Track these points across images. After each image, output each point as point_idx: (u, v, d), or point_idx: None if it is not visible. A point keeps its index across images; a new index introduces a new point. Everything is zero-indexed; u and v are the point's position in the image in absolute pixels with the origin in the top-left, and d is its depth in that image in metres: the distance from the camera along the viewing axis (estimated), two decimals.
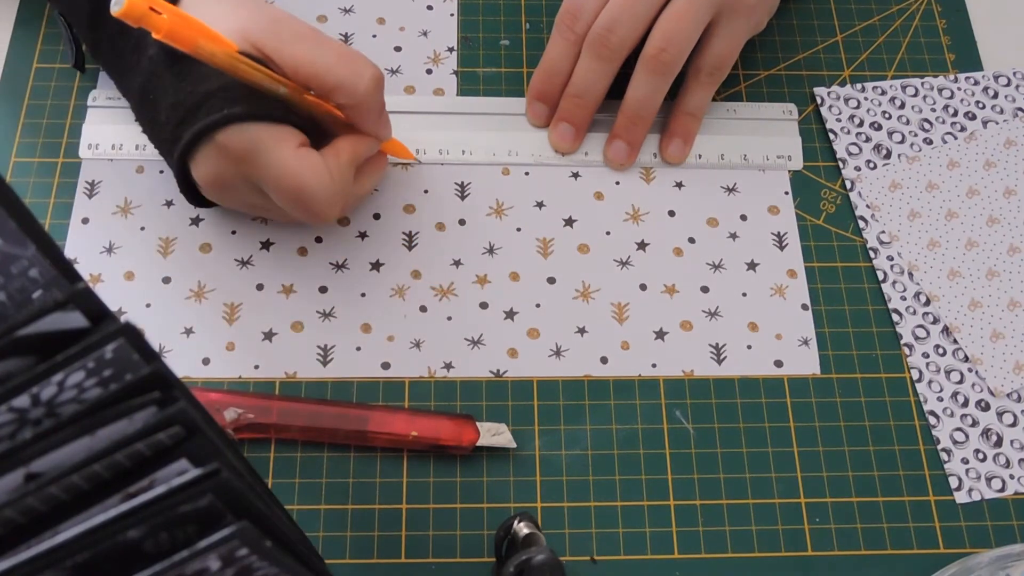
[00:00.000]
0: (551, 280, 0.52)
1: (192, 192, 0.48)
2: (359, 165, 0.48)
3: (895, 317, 0.51)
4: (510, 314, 0.50)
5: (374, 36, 0.58)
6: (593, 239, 0.53)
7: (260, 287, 0.50)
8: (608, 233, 0.53)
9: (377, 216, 0.53)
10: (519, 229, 0.53)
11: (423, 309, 0.50)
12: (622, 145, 0.54)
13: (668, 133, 0.54)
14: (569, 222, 0.53)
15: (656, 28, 0.50)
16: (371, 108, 0.46)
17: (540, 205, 0.53)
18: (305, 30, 0.44)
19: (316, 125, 0.47)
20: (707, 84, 0.53)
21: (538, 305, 0.51)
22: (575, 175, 0.54)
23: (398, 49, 0.57)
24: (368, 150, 0.48)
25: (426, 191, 0.53)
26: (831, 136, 0.56)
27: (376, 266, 0.51)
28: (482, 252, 0.52)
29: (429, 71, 0.57)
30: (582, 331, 0.50)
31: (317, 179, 0.44)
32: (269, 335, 0.49)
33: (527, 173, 0.54)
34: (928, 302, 0.52)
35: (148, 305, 0.50)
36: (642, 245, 0.53)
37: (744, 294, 0.52)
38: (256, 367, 0.48)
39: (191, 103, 0.44)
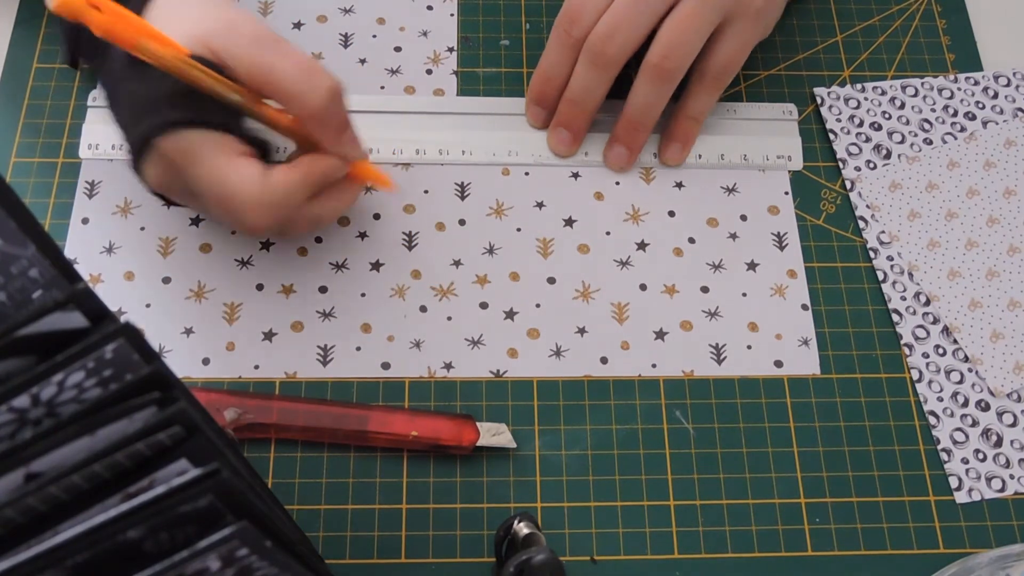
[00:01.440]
0: (551, 280, 0.52)
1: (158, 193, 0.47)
2: (325, 186, 0.46)
3: (895, 317, 0.51)
4: (510, 314, 0.50)
5: (374, 36, 0.58)
6: (593, 239, 0.53)
7: (260, 287, 0.50)
8: (608, 233, 0.53)
9: (377, 216, 0.53)
10: (519, 229, 0.53)
11: (423, 309, 0.50)
12: (622, 150, 0.54)
13: (668, 136, 0.54)
14: (569, 222, 0.53)
15: (659, 35, 0.50)
16: (328, 122, 0.44)
17: (540, 205, 0.53)
18: (265, 36, 0.43)
19: (303, 140, 0.46)
20: (712, 89, 0.53)
21: (538, 305, 0.51)
22: (575, 175, 0.54)
23: (398, 49, 0.57)
24: (332, 170, 0.46)
25: (426, 191, 0.53)
26: (831, 136, 0.56)
27: (376, 266, 0.51)
28: (482, 252, 0.52)
29: (429, 71, 0.57)
30: (582, 331, 0.50)
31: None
32: (269, 335, 0.49)
33: (527, 173, 0.54)
34: (928, 302, 0.52)
35: (148, 305, 0.50)
36: (642, 245, 0.53)
37: (744, 294, 0.52)
38: (256, 367, 0.48)
39: (141, 107, 0.43)
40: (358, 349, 0.49)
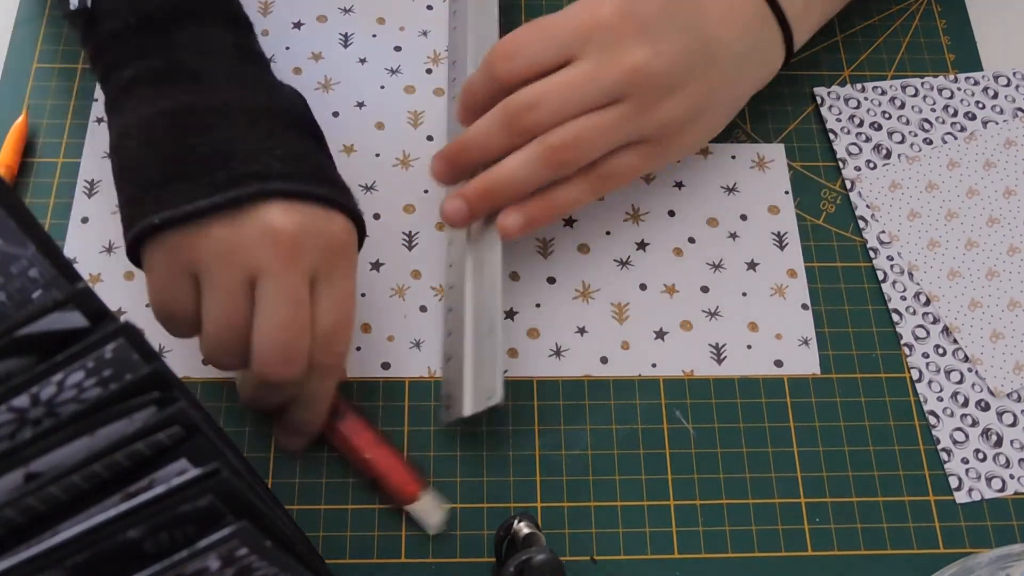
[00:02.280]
0: (551, 280, 0.52)
1: None
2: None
3: (895, 317, 0.51)
4: (510, 314, 0.50)
5: (374, 36, 0.58)
6: (593, 239, 0.53)
7: None
8: (608, 233, 0.53)
9: (377, 216, 0.53)
10: None
11: (423, 309, 0.50)
12: (463, 207, 0.47)
13: (520, 207, 0.47)
14: (569, 222, 0.53)
15: (573, 123, 0.45)
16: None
17: None
18: None
19: None
20: (594, 188, 0.48)
21: (538, 305, 0.51)
22: None
23: (398, 49, 0.57)
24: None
25: (426, 191, 0.53)
26: (831, 136, 0.56)
27: (376, 266, 0.51)
28: None
29: (429, 71, 0.57)
30: (582, 331, 0.50)
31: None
32: None
33: None
34: (928, 302, 0.52)
35: (148, 305, 0.50)
36: (642, 245, 0.53)
37: (744, 294, 0.52)
38: None
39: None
40: (358, 349, 0.49)
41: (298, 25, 0.58)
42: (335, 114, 0.55)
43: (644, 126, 0.47)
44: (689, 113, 0.48)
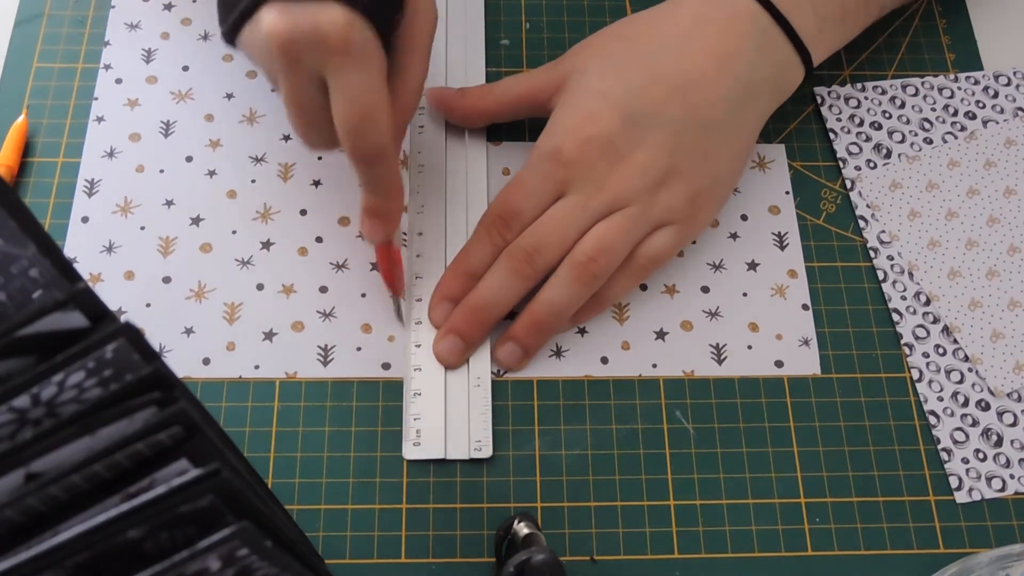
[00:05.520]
0: None
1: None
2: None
3: (895, 317, 0.51)
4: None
5: None
6: None
7: (260, 287, 0.50)
8: None
9: None
10: None
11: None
12: (517, 349, 0.48)
13: (574, 318, 0.49)
14: None
15: (590, 234, 0.47)
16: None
17: None
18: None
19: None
20: (636, 276, 0.49)
21: None
22: None
23: None
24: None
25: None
26: (831, 136, 0.56)
27: (376, 266, 0.51)
28: None
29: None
30: (582, 331, 0.50)
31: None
32: (269, 335, 0.49)
33: None
34: (928, 302, 0.52)
35: (148, 305, 0.50)
36: None
37: (744, 294, 0.52)
38: (256, 367, 0.48)
39: None
40: (358, 349, 0.49)
41: None
42: None
43: (658, 216, 0.48)
44: (698, 186, 0.48)
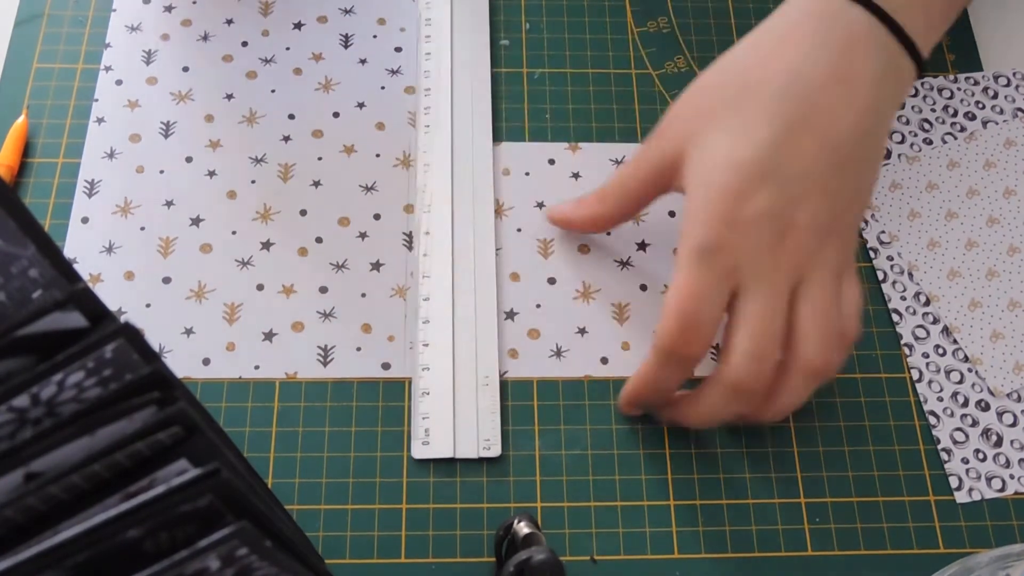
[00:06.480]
0: (551, 280, 0.52)
1: None
2: None
3: (895, 317, 0.51)
4: (510, 314, 0.50)
5: (375, 36, 0.58)
6: (593, 239, 0.53)
7: (260, 287, 0.50)
8: (608, 233, 0.53)
9: (377, 216, 0.53)
10: (519, 230, 0.53)
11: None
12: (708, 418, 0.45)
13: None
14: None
15: (805, 331, 0.42)
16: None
17: (540, 205, 0.53)
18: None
19: None
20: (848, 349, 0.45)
21: (538, 305, 0.51)
22: (575, 175, 0.54)
23: (399, 50, 0.57)
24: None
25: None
26: None
27: (376, 266, 0.51)
28: None
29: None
30: (582, 331, 0.50)
31: None
32: (269, 335, 0.49)
33: (527, 173, 0.54)
34: (928, 302, 0.52)
35: (148, 305, 0.50)
36: (642, 245, 0.53)
37: None
38: (256, 367, 0.48)
39: None
40: (358, 349, 0.49)
41: (299, 26, 0.58)
42: (335, 114, 0.55)
43: (838, 270, 0.44)
44: (854, 224, 0.46)
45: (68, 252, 0.50)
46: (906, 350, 0.50)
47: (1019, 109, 0.57)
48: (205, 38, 0.57)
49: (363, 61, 0.57)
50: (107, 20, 0.57)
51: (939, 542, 0.46)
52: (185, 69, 0.56)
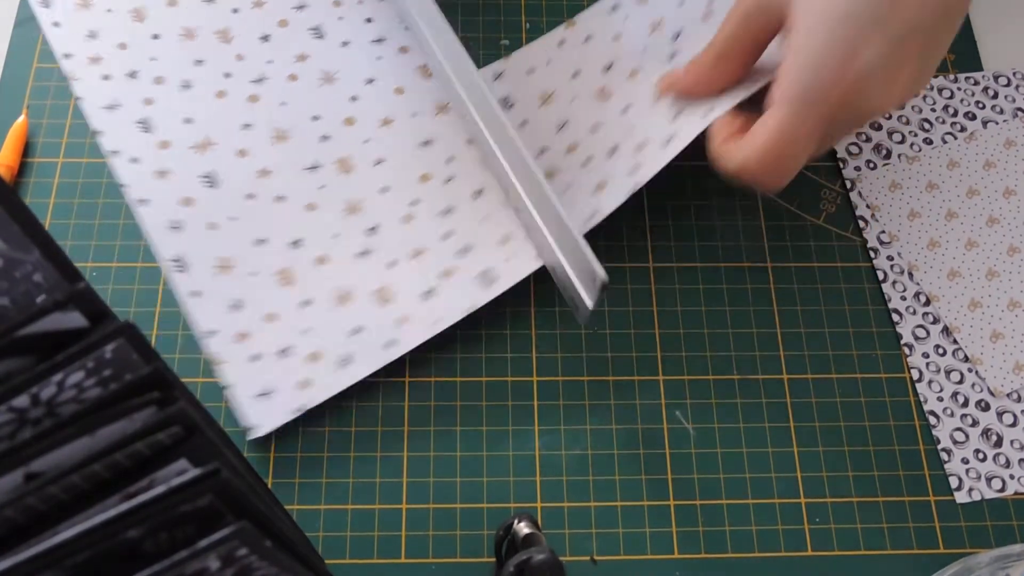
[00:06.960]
0: None
1: None
2: None
3: (895, 317, 0.51)
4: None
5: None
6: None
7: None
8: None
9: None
10: None
11: None
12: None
13: None
14: None
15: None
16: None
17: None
18: None
19: None
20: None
21: None
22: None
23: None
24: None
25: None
26: None
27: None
28: None
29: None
30: None
31: None
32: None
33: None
34: (928, 302, 0.52)
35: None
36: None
37: None
38: None
39: None
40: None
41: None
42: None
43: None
44: (932, 72, 0.45)
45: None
46: (906, 350, 0.50)
47: (1019, 109, 0.57)
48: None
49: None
50: None
51: (939, 542, 0.46)
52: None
